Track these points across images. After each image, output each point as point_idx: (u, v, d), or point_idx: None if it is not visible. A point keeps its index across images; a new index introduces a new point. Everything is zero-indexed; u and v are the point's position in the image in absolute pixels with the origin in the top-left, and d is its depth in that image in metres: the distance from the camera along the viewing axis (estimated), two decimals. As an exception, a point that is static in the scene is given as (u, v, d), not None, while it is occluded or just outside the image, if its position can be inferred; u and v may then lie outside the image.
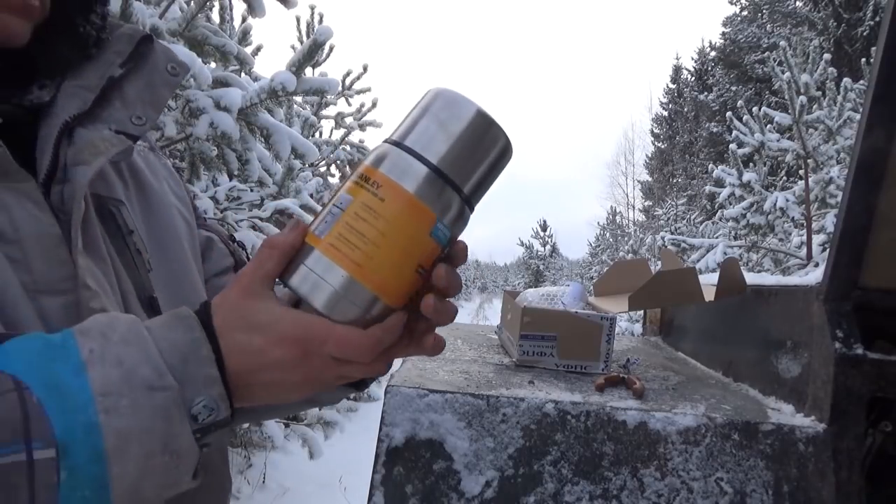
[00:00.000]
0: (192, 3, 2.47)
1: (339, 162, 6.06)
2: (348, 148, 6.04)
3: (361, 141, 6.20)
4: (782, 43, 6.11)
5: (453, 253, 0.53)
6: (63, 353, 0.44)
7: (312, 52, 2.59)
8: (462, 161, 0.51)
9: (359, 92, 6.11)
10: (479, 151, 0.52)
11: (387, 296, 0.49)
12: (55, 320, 0.54)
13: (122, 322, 0.48)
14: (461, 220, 0.52)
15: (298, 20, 5.61)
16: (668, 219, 20.59)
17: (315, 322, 0.49)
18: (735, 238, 6.77)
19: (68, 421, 0.42)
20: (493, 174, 0.53)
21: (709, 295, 1.12)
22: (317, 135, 6.02)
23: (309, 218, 3.18)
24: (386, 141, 0.52)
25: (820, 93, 5.89)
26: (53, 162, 0.58)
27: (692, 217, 18.23)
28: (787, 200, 5.77)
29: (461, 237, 0.54)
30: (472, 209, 0.53)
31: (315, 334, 0.49)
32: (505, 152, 0.54)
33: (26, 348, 0.44)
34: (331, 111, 6.23)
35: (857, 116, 5.36)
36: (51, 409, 0.42)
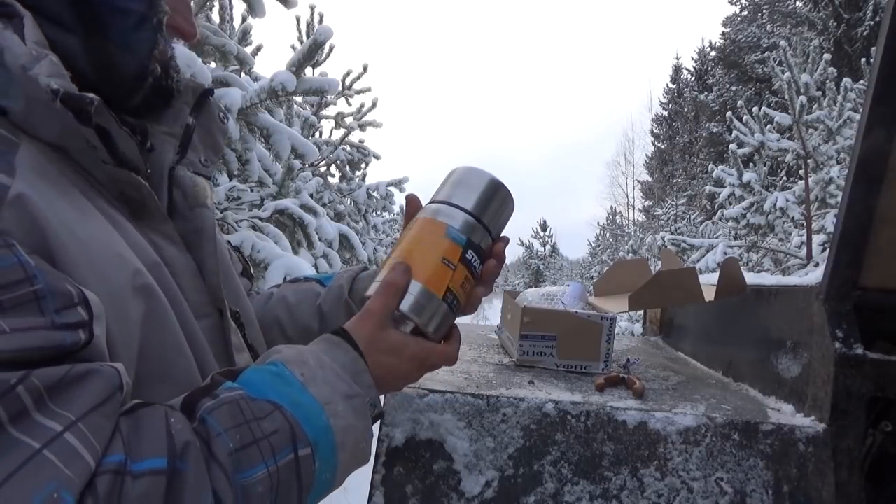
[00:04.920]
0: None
1: (339, 162, 6.06)
2: (348, 148, 6.03)
3: (361, 141, 6.20)
4: (782, 43, 6.11)
5: (494, 250, 0.75)
6: (285, 379, 0.59)
7: (312, 52, 2.58)
8: (458, 193, 0.73)
9: (359, 92, 6.10)
10: (468, 186, 0.74)
11: (431, 285, 0.69)
12: (207, 338, 0.67)
13: (305, 351, 0.63)
14: (471, 228, 0.72)
15: (298, 20, 5.61)
16: (668, 219, 20.59)
17: (427, 345, 0.69)
18: (735, 238, 6.78)
19: (314, 426, 0.57)
20: (482, 192, 0.74)
21: (709, 295, 1.12)
22: (317, 135, 6.02)
23: (308, 217, 3.19)
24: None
25: (820, 93, 5.89)
26: (169, 203, 0.71)
27: (692, 217, 18.23)
28: (787, 200, 5.77)
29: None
30: (478, 220, 0.72)
31: (428, 353, 0.69)
32: (495, 185, 0.75)
33: (260, 379, 0.59)
34: (331, 111, 6.24)
35: (857, 116, 5.36)
36: (302, 420, 0.57)
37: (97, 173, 0.61)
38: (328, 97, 5.68)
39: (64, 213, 0.54)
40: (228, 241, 0.99)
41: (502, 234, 0.76)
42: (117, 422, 0.50)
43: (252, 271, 1.02)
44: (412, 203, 0.77)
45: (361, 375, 0.63)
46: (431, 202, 0.75)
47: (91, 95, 0.56)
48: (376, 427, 0.72)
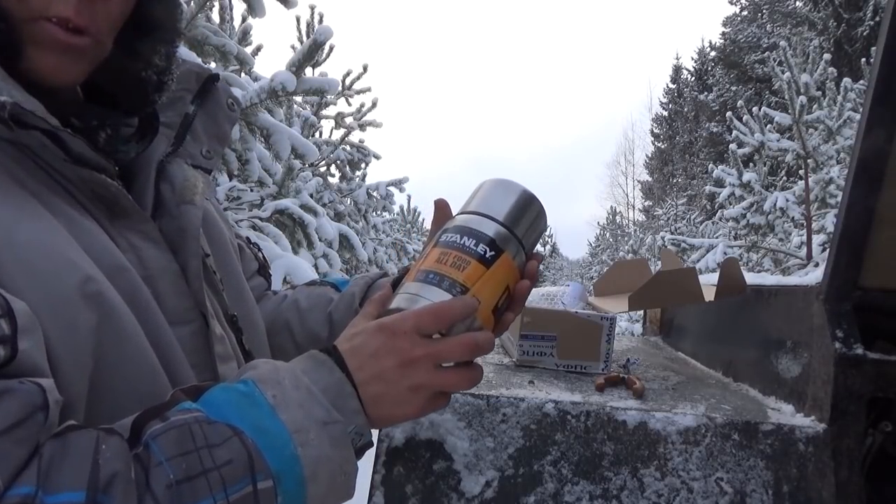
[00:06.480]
0: (192, 3, 2.47)
1: (339, 162, 6.06)
2: (348, 148, 6.03)
3: (361, 141, 6.20)
4: (782, 43, 6.11)
5: (527, 269, 0.67)
6: (254, 401, 0.52)
7: (312, 52, 2.58)
8: (491, 204, 0.66)
9: (359, 92, 6.10)
10: (499, 198, 0.67)
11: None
12: (187, 346, 0.62)
13: (283, 369, 0.55)
14: (505, 240, 0.65)
15: (298, 20, 5.61)
16: (668, 219, 20.61)
17: (397, 313, 0.59)
18: (735, 238, 6.78)
19: (278, 456, 0.50)
20: (513, 206, 0.67)
21: (709, 295, 1.12)
22: (317, 135, 6.01)
23: (308, 217, 3.19)
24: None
25: (820, 93, 5.89)
26: (156, 199, 0.65)
27: (692, 217, 18.24)
28: (787, 200, 5.78)
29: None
30: (511, 233, 0.65)
31: (397, 316, 0.58)
32: (526, 197, 0.68)
33: (225, 399, 0.52)
34: (331, 111, 6.23)
35: (857, 116, 5.36)
36: (264, 448, 0.49)
37: (66, 171, 0.56)
38: (328, 97, 5.67)
39: None
40: (247, 238, 0.93)
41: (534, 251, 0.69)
42: (36, 447, 0.44)
43: (270, 270, 0.96)
44: (442, 210, 0.69)
45: (345, 400, 0.55)
46: (462, 213, 0.68)
47: (3, 99, 0.50)
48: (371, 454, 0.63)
